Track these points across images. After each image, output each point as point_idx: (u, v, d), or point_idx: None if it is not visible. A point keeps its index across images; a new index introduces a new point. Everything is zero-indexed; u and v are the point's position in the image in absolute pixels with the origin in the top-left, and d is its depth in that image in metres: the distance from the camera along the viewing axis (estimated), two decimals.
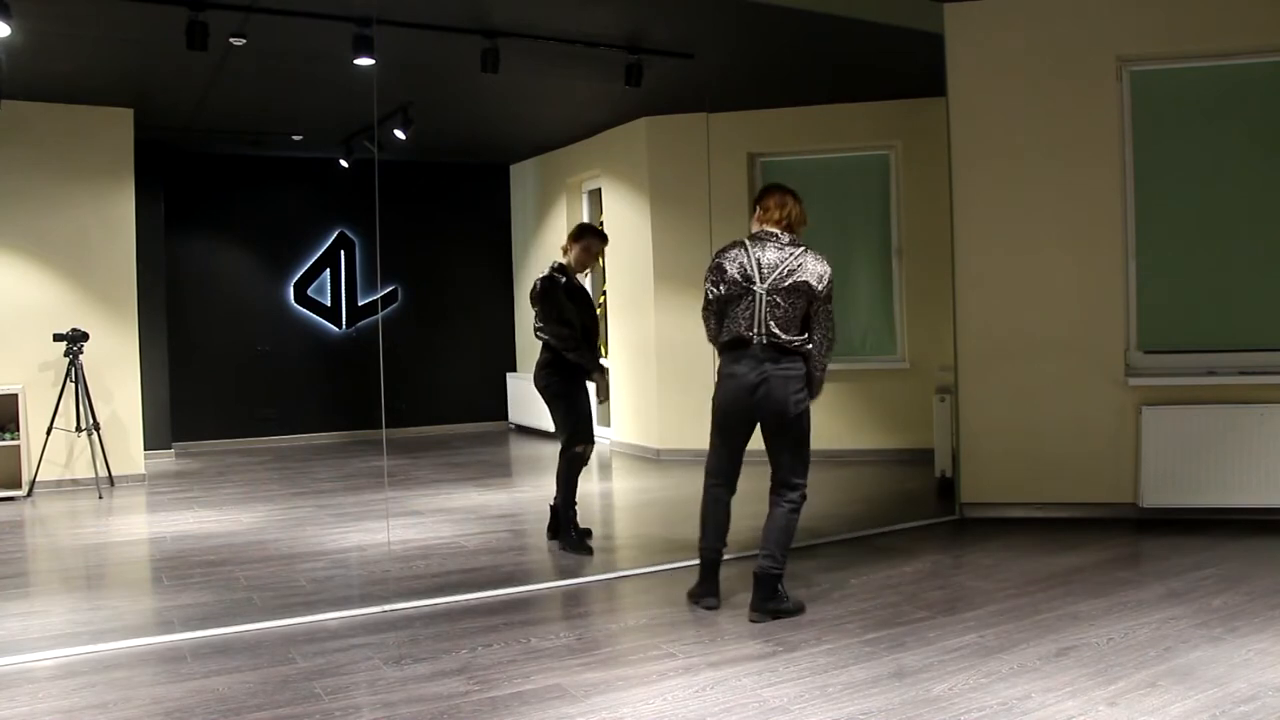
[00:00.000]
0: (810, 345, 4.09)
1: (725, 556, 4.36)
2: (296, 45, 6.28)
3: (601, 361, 5.67)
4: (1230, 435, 5.53)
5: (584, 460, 5.52)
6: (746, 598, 4.23)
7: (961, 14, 5.96)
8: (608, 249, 5.79)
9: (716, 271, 4.13)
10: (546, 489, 5.66)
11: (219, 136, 9.04)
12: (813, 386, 4.12)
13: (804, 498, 4.17)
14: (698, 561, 4.33)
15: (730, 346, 4.11)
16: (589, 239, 5.54)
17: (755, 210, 4.24)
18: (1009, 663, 3.51)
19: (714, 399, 4.19)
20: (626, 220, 8.82)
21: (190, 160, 9.47)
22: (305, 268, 9.95)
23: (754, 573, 4.10)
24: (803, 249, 4.09)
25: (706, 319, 4.22)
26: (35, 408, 7.38)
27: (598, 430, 9.14)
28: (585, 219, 9.53)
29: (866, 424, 8.14)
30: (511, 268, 10.68)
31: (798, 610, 4.13)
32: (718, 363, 4.23)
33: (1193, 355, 5.74)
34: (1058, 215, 5.84)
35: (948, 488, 6.49)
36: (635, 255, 8.68)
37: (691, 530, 5.76)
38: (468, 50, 6.15)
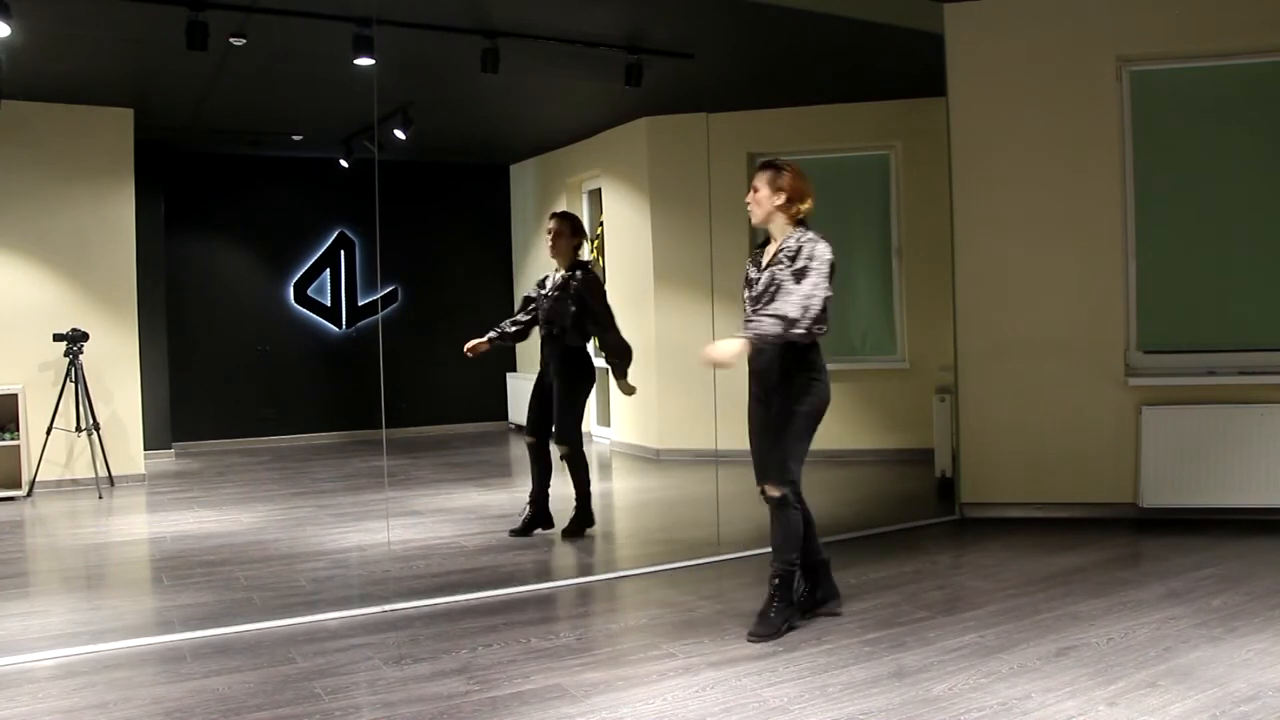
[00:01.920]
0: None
1: (729, 556, 4.34)
2: (296, 45, 6.28)
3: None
4: (1230, 435, 5.53)
5: None
6: (744, 596, 4.23)
7: (961, 14, 5.96)
8: (608, 248, 5.86)
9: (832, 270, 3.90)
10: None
11: (219, 136, 9.04)
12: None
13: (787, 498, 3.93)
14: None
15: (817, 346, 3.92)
16: (575, 223, 5.77)
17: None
18: (1009, 663, 3.51)
19: (815, 399, 3.89)
20: (626, 220, 8.81)
21: (190, 160, 9.47)
22: (305, 268, 9.95)
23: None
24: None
25: (823, 315, 3.83)
26: (35, 408, 7.38)
27: (599, 430, 9.19)
28: (585, 219, 9.53)
29: (866, 424, 8.14)
30: (511, 268, 10.67)
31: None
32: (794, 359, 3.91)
33: (1193, 355, 5.74)
34: (1058, 215, 5.84)
35: (948, 488, 6.48)
36: (635, 255, 8.67)
37: (691, 530, 5.78)
38: (468, 50, 6.15)
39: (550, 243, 5.73)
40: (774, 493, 3.88)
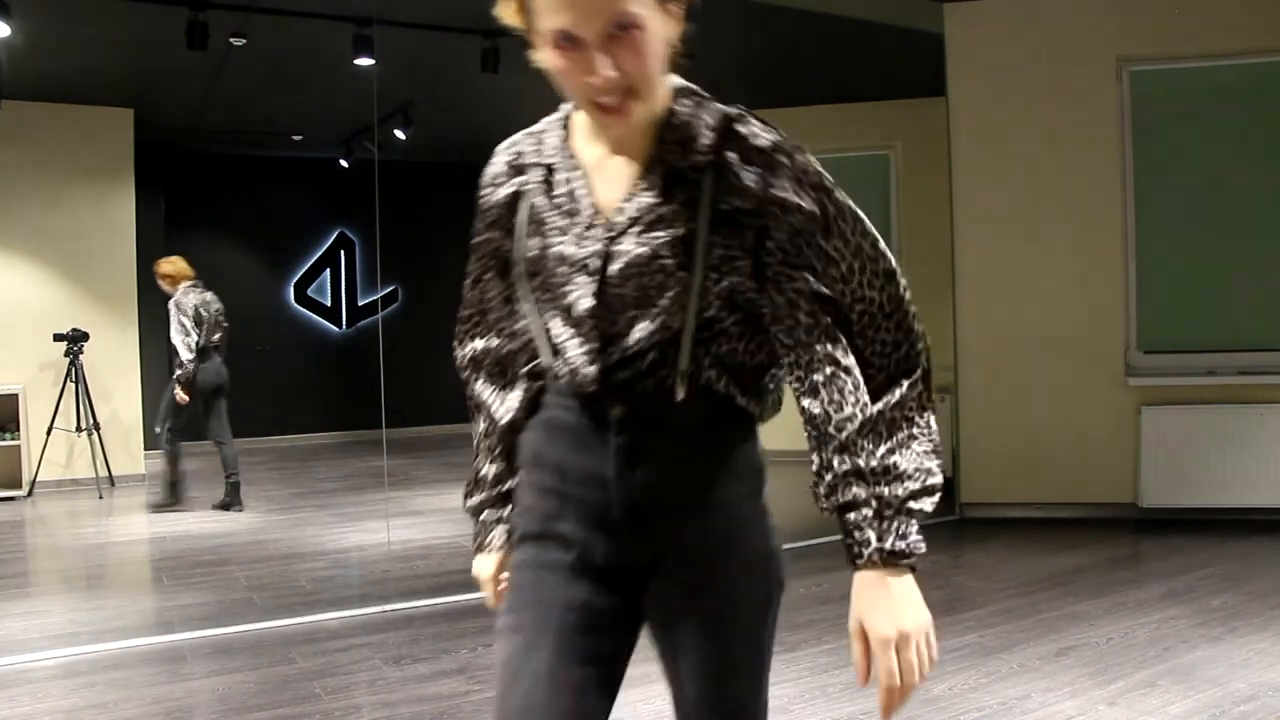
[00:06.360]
0: None
1: None
2: (296, 45, 6.28)
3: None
4: (1230, 435, 5.53)
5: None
6: None
7: (961, 14, 5.96)
8: None
9: None
10: None
11: (219, 136, 9.04)
12: None
13: None
14: None
15: None
16: None
17: None
18: (1009, 663, 3.51)
19: (777, 558, 1.52)
20: None
21: (190, 160, 9.47)
22: (305, 268, 9.95)
23: None
24: None
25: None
26: (35, 408, 7.38)
27: None
28: None
29: None
30: None
31: None
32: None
33: (1193, 355, 5.74)
34: (1058, 215, 5.84)
35: (947, 488, 6.48)
36: None
37: None
38: (468, 50, 6.15)
39: None
40: None
